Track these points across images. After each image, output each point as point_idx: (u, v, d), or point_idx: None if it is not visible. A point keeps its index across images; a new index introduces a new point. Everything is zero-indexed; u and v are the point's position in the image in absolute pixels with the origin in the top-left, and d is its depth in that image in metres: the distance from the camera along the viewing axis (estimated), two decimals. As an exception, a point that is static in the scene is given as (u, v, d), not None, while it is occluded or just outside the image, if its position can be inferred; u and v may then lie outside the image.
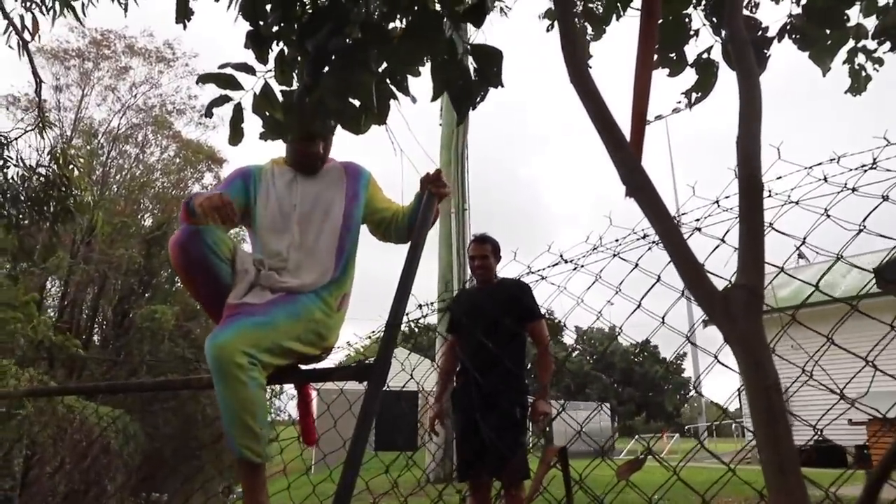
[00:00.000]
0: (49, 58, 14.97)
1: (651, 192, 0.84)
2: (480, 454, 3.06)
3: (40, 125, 4.83)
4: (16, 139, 4.46)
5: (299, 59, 1.34)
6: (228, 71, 1.28)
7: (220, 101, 1.27)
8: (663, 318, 1.90)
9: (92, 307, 14.89)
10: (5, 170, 4.35)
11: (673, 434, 23.46)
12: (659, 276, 1.95)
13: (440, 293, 9.62)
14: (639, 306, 1.95)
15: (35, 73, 4.82)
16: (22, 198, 4.29)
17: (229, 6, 1.34)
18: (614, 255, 2.25)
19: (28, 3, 4.15)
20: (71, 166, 4.51)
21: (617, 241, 2.25)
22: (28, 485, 8.89)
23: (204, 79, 1.26)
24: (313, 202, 2.16)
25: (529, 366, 3.49)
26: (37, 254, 12.45)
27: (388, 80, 1.29)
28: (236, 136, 1.28)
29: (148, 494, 11.53)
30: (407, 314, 2.16)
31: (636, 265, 2.08)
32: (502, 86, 1.17)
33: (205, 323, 15.30)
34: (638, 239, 2.22)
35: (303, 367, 2.07)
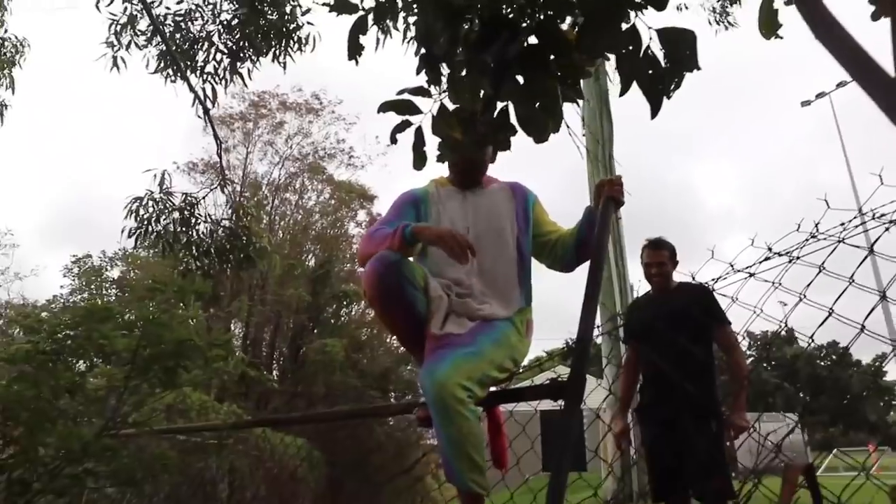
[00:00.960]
0: (218, 124, 16.72)
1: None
2: (677, 471, 2.84)
3: (222, 183, 5.40)
4: (203, 198, 5.04)
5: (467, 75, 1.32)
6: (406, 97, 1.29)
7: (402, 126, 1.28)
8: (863, 326, 1.70)
9: (269, 344, 16.20)
10: (197, 226, 4.91)
11: (884, 447, 20.74)
12: (852, 279, 1.76)
13: (602, 304, 9.31)
14: (830, 314, 1.76)
15: (216, 136, 5.40)
16: (211, 250, 4.80)
17: (403, 40, 1.36)
18: (791, 261, 2.06)
19: (206, 76, 4.70)
20: (249, 217, 4.98)
21: (792, 248, 2.07)
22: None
23: (384, 107, 1.27)
24: (486, 222, 2.13)
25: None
26: (223, 301, 13.84)
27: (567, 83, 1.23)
28: (421, 160, 1.28)
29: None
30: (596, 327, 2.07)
31: (821, 268, 1.88)
32: (699, 68, 1.06)
33: (370, 354, 16.09)
34: (807, 240, 2.04)
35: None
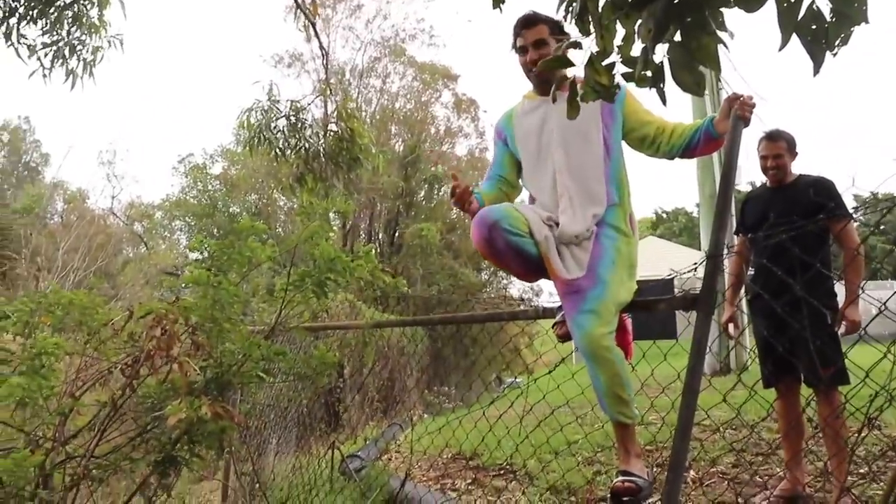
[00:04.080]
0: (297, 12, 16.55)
1: None
2: (789, 359, 2.96)
3: (326, 89, 5.54)
4: (309, 104, 5.23)
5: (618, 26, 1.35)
6: (562, 53, 1.37)
7: (561, 81, 1.36)
8: None
9: (367, 231, 16.96)
10: (304, 131, 5.14)
11: None
12: None
13: (700, 181, 9.11)
14: None
15: (321, 46, 5.49)
16: (321, 154, 5.05)
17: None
18: None
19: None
20: (353, 119, 5.14)
21: None
22: (350, 381, 10.82)
23: (545, 65, 1.36)
24: (569, 123, 2.15)
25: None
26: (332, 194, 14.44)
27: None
28: (573, 109, 1.37)
29: (437, 386, 13.16)
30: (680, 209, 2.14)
31: None
32: (867, 22, 1.06)
33: (462, 233, 16.54)
34: None
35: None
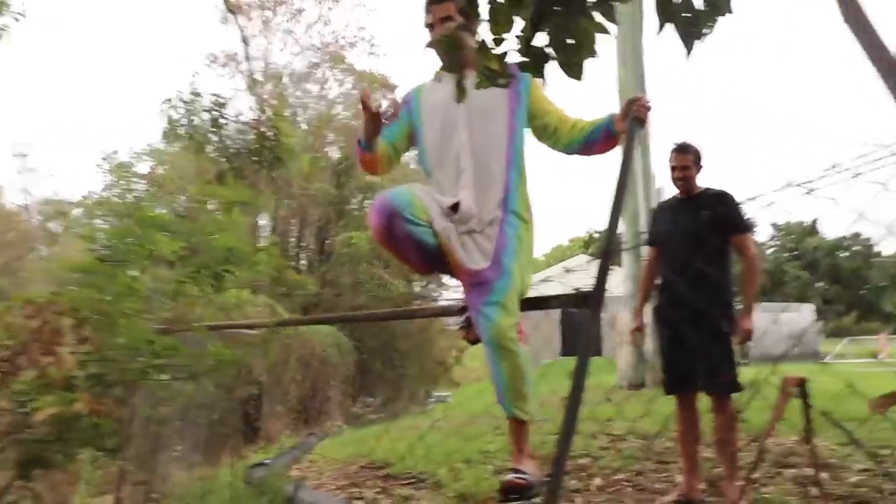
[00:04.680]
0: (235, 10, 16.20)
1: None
2: (689, 368, 3.04)
3: (251, 84, 5.39)
4: (230, 99, 5.07)
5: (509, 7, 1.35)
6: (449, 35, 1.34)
7: (450, 62, 1.34)
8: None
9: (297, 237, 16.63)
10: (226, 127, 4.97)
11: (893, 335, 21.10)
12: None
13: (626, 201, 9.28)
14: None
15: (243, 36, 5.33)
16: (242, 151, 4.90)
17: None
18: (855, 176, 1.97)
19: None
20: (277, 117, 5.02)
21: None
22: (269, 391, 10.50)
23: (432, 44, 1.33)
24: (475, 101, 2.11)
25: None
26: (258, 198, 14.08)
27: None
28: (462, 94, 1.35)
29: (363, 398, 12.99)
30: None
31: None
32: (731, 12, 1.10)
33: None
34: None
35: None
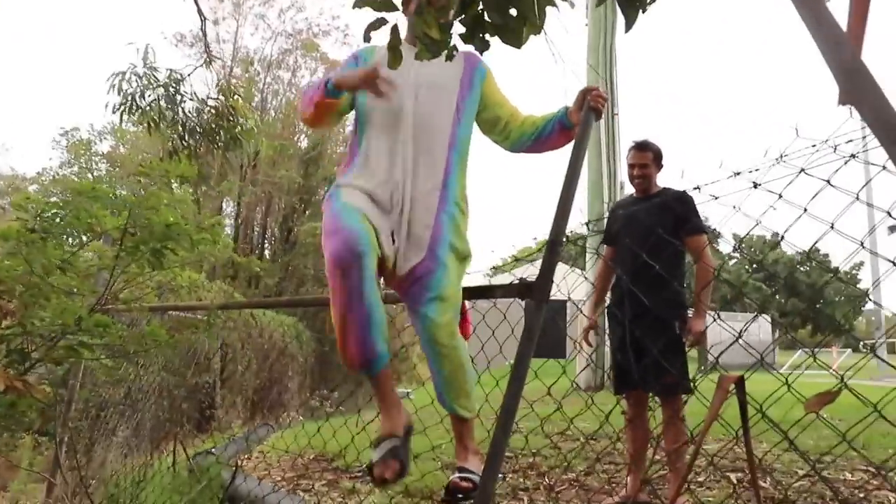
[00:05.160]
0: (206, -8, 15.85)
1: (876, 97, 0.71)
2: (637, 368, 3.03)
3: (207, 60, 5.23)
4: (188, 75, 4.90)
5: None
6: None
7: (377, 24, 1.26)
8: (861, 244, 1.60)
9: (261, 225, 16.36)
10: (182, 104, 4.82)
11: (844, 349, 21.68)
12: (857, 196, 1.64)
13: (590, 202, 9.38)
14: (832, 228, 1.65)
15: (199, 12, 5.16)
16: (198, 129, 4.74)
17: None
18: (801, 171, 1.93)
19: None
20: (235, 97, 4.89)
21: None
22: (225, 380, 10.30)
23: (360, 3, 1.25)
24: (427, 77, 2.03)
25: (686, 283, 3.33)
26: (213, 179, 13.77)
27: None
28: (396, 59, 1.27)
29: (320, 391, 12.82)
30: (570, 232, 2.10)
31: (828, 182, 1.77)
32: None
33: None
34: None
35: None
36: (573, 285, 3.70)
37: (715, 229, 3.40)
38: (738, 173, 1.83)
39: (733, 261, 42.10)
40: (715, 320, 2.13)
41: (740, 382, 1.39)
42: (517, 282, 1.85)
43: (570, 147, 2.02)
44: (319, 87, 1.95)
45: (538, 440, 4.35)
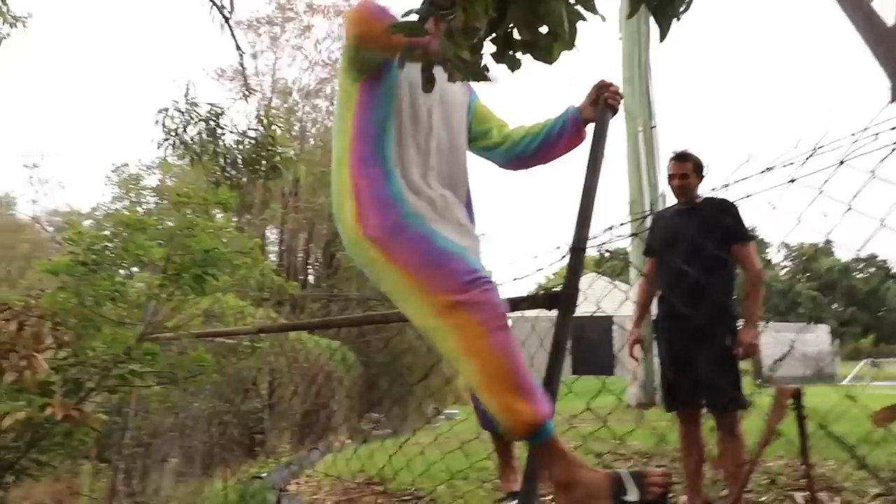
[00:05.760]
0: (244, 28, 16.41)
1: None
2: (690, 384, 2.93)
3: (246, 93, 5.39)
4: (227, 108, 5.05)
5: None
6: (414, 19, 1.27)
7: (411, 50, 1.26)
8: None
9: (304, 251, 16.62)
10: (223, 137, 4.96)
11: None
12: None
13: (632, 216, 9.18)
14: (882, 225, 1.54)
15: (237, 46, 5.34)
16: (238, 160, 4.88)
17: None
18: (841, 163, 1.82)
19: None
20: (274, 127, 5.01)
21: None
22: (273, 405, 10.42)
23: (395, 29, 1.26)
24: (450, 96, 1.82)
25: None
26: (255, 208, 14.11)
27: (574, 2, 1.20)
28: (429, 82, 1.27)
29: (368, 414, 12.85)
30: (593, 237, 1.99)
31: (872, 174, 1.65)
32: (710, -12, 1.02)
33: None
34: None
35: None
36: (621, 302, 3.62)
37: (759, 236, 3.28)
38: (771, 168, 1.73)
39: (784, 269, 40.83)
40: (762, 331, 1.98)
41: (797, 395, 1.33)
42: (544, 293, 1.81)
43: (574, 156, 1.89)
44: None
45: (588, 459, 4.25)
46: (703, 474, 3.17)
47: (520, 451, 2.09)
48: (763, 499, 3.39)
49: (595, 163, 1.71)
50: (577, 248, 1.59)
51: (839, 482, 3.69)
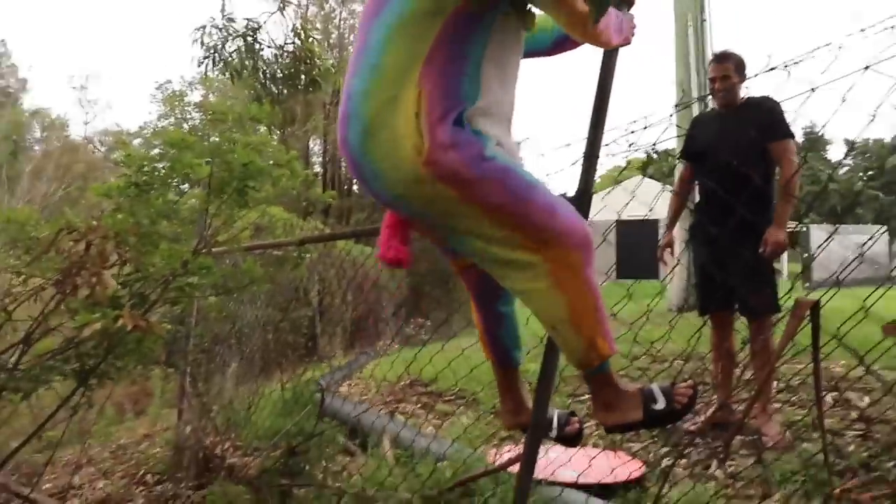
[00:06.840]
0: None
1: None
2: (724, 288, 2.96)
3: (282, 4, 5.32)
4: (264, 23, 5.02)
5: None
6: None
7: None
8: None
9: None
10: (261, 52, 4.97)
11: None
12: None
13: (677, 116, 8.84)
14: None
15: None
16: (278, 75, 4.90)
17: None
18: None
19: None
20: (311, 39, 4.97)
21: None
22: (323, 312, 10.91)
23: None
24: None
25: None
26: (298, 120, 14.16)
27: None
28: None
29: (415, 319, 13.30)
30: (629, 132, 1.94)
31: None
32: None
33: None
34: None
35: None
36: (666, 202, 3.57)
37: (821, 132, 3.14)
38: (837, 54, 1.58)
39: (844, 168, 38.99)
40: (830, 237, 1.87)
41: (815, 307, 1.37)
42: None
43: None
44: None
45: (623, 362, 4.39)
46: (733, 376, 3.26)
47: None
48: (793, 397, 3.48)
49: (609, 59, 1.64)
50: (590, 154, 1.58)
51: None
